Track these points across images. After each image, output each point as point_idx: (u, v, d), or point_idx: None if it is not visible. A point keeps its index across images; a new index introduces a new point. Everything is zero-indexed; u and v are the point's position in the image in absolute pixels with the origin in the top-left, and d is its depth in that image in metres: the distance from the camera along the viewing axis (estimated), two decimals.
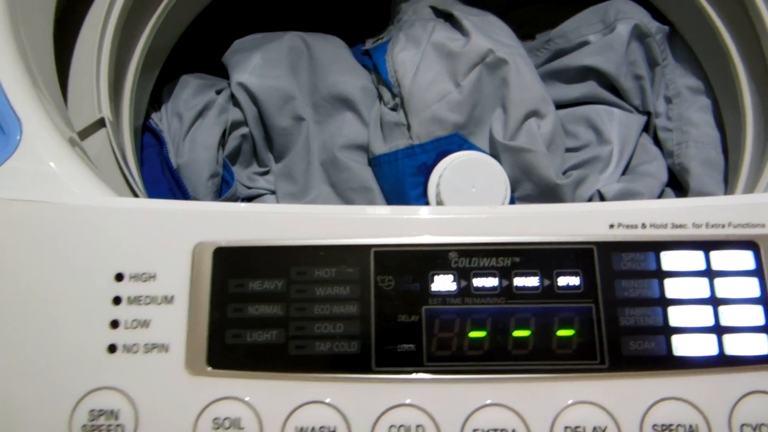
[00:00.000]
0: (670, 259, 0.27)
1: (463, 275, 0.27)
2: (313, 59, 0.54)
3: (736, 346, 0.26)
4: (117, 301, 0.27)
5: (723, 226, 0.27)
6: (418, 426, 0.25)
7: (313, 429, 0.25)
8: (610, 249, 0.27)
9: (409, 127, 0.49)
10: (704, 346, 0.26)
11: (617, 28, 0.52)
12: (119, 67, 0.47)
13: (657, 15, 0.53)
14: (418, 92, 0.49)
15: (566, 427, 0.25)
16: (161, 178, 0.51)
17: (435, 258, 0.27)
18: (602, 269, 0.27)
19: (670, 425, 0.25)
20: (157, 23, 0.50)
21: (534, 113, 0.49)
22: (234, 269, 0.27)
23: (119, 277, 0.27)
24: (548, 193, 0.47)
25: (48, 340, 0.26)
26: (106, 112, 0.43)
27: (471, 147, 0.49)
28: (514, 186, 0.48)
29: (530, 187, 0.48)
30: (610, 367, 0.26)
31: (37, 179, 0.30)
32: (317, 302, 0.27)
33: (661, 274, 0.27)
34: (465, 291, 0.27)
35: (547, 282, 0.27)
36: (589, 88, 0.53)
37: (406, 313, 0.26)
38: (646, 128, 0.53)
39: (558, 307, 0.26)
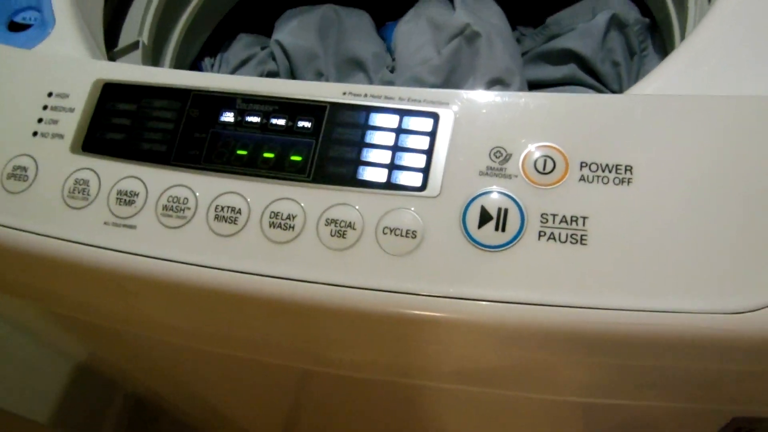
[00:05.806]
0: (375, 118, 0.38)
1: (239, 113, 0.40)
2: (341, 28, 0.66)
3: (401, 178, 0.36)
4: (45, 107, 0.43)
5: (420, 102, 0.37)
6: (185, 199, 0.38)
7: (125, 191, 0.39)
8: (338, 107, 0.38)
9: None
10: (379, 175, 0.37)
11: (596, 16, 0.57)
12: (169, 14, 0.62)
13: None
14: (406, 56, 0.59)
15: (273, 212, 0.37)
16: None
17: (225, 99, 0.40)
18: (329, 119, 0.38)
19: (339, 220, 0.36)
20: None
21: (498, 81, 0.54)
22: (113, 95, 0.42)
23: (50, 95, 0.43)
24: None
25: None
26: (145, 39, 0.58)
27: None
28: None
29: None
30: (312, 180, 0.37)
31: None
32: (151, 120, 0.41)
33: (366, 128, 0.38)
34: (238, 123, 0.39)
35: (290, 123, 0.39)
36: (571, 70, 0.58)
37: (200, 132, 0.40)
38: None
39: (294, 140, 0.38)
